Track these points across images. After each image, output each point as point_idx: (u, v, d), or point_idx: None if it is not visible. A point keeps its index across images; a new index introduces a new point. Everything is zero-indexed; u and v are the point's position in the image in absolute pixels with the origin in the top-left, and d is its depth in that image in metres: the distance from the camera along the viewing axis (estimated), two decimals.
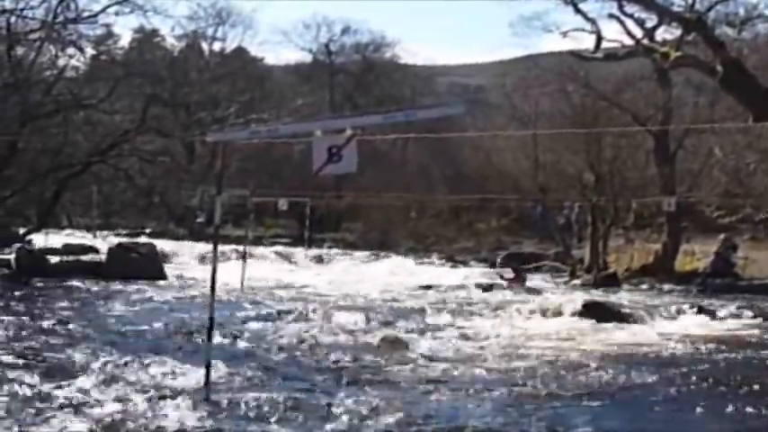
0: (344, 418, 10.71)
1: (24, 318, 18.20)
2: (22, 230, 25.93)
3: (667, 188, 33.36)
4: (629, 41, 33.76)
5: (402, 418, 10.63)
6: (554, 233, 38.01)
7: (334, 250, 40.77)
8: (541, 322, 20.53)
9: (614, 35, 34.58)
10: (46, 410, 10.41)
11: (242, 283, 24.90)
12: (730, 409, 11.68)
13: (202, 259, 32.53)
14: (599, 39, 34.15)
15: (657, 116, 34.08)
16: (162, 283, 26.68)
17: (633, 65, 36.60)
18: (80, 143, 24.78)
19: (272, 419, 10.61)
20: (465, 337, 17.46)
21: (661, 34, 34.01)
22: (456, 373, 13.96)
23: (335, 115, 16.23)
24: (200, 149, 45.65)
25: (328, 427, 10.36)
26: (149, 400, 11.28)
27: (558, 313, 21.71)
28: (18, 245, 27.12)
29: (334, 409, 11.04)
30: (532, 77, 41.80)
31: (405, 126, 30.32)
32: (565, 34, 35.55)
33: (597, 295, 25.97)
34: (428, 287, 27.69)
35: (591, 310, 21.23)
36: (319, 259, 37.17)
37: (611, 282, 30.60)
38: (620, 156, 34.94)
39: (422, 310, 21.75)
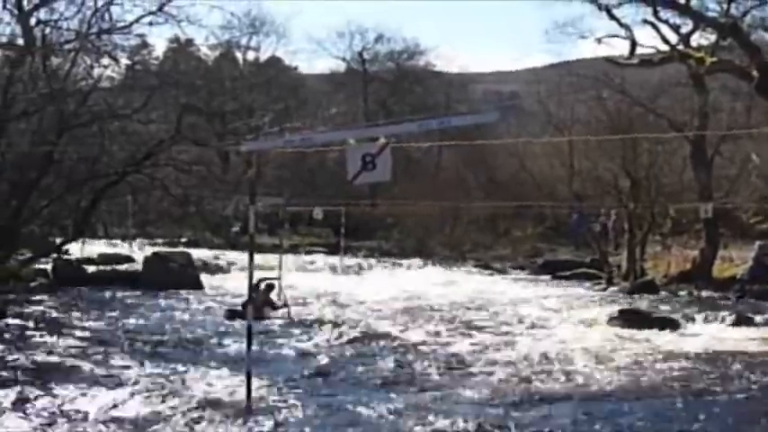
0: (387, 426, 10.65)
1: (62, 327, 18.30)
2: (58, 240, 26.07)
3: (704, 194, 33.05)
4: (664, 47, 33.56)
5: (443, 424, 10.57)
6: (590, 240, 37.78)
7: (370, 260, 40.64)
8: (578, 330, 20.42)
9: (649, 41, 34.34)
10: (84, 420, 10.42)
11: (279, 292, 24.85)
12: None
13: (237, 268, 32.56)
14: (633, 44, 33.96)
15: (693, 122, 33.81)
16: (198, 292, 26.72)
17: (668, 71, 36.34)
18: (116, 153, 24.87)
19: (314, 427, 10.57)
20: (498, 347, 17.34)
21: (696, 40, 33.83)
22: (493, 379, 13.91)
23: (369, 123, 16.23)
24: (234, 158, 45.74)
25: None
26: (190, 411, 11.29)
27: (595, 321, 21.61)
28: (55, 255, 27.30)
29: (376, 418, 10.99)
30: (567, 84, 41.61)
31: (439, 134, 30.39)
32: (599, 40, 35.38)
33: (634, 302, 25.78)
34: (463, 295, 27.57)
35: (627, 318, 21.10)
36: (355, 268, 37.05)
37: (649, 288, 30.33)
38: (656, 162, 34.72)
39: (458, 318, 21.74)
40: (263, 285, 21.58)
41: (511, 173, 46.43)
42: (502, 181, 47.97)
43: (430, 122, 11.92)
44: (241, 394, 11.57)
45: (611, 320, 21.14)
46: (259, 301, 19.84)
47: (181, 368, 13.74)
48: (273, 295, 22.49)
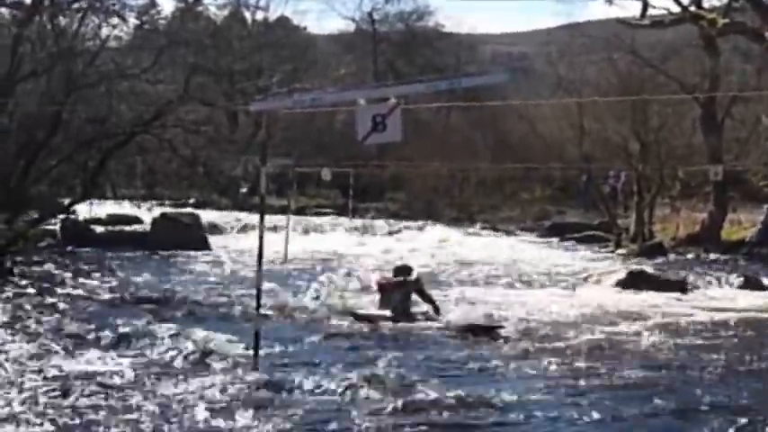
0: (393, 387, 10.67)
1: (69, 287, 18.35)
2: (66, 201, 26.05)
3: (714, 157, 32.95)
4: (675, 8, 33.33)
5: (441, 384, 10.60)
6: (599, 203, 37.72)
7: (378, 221, 40.58)
8: (585, 291, 20.43)
9: (661, 2, 34.14)
10: (89, 379, 10.46)
11: (285, 254, 24.90)
12: None
13: (245, 229, 32.57)
14: (645, 6, 33.75)
15: (704, 84, 33.63)
16: (206, 253, 26.76)
17: (680, 32, 36.12)
18: (124, 113, 24.76)
19: (322, 389, 10.60)
20: (505, 307, 17.33)
21: (708, 1, 33.61)
22: (501, 341, 13.93)
23: (379, 84, 16.10)
24: (243, 119, 45.73)
25: (377, 396, 10.32)
26: (198, 370, 11.35)
27: (602, 282, 21.63)
28: (63, 215, 27.30)
29: (382, 379, 11.01)
30: (577, 45, 41.35)
31: (448, 95, 30.26)
32: (610, 1, 35.21)
33: (643, 265, 25.76)
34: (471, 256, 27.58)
35: (635, 280, 21.11)
36: (363, 229, 37.01)
37: (657, 251, 30.33)
38: (666, 124, 34.59)
39: (464, 279, 21.77)
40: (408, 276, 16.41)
41: (520, 135, 46.24)
42: (511, 143, 47.78)
43: (439, 83, 11.87)
44: (248, 353, 11.62)
45: (619, 282, 21.15)
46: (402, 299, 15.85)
47: (188, 328, 13.76)
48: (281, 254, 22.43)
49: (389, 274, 16.61)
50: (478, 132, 51.94)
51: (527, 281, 21.88)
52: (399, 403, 9.90)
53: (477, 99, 34.63)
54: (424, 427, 9.19)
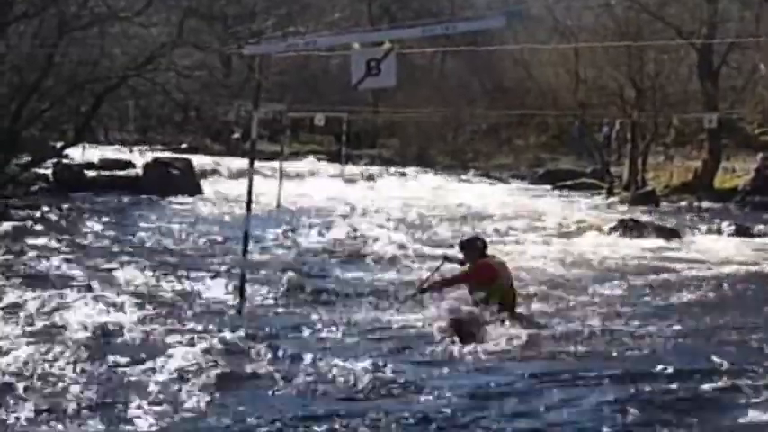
0: (377, 334, 10.70)
1: (60, 232, 18.31)
2: (59, 144, 25.93)
3: (709, 104, 32.89)
4: None
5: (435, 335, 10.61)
6: (592, 150, 37.68)
7: (373, 168, 40.47)
8: (577, 238, 20.47)
9: None
10: (77, 325, 10.46)
11: (278, 200, 24.87)
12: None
13: (238, 175, 32.48)
14: None
15: (701, 31, 33.42)
16: (198, 198, 26.74)
17: None
18: (117, 56, 24.57)
19: (305, 334, 10.64)
20: (497, 251, 17.37)
21: None
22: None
23: (374, 28, 15.96)
24: (237, 63, 45.37)
25: (360, 341, 10.36)
26: (183, 312, 11.39)
27: (593, 229, 21.68)
28: (55, 159, 27.21)
29: (366, 325, 11.03)
30: None
31: (444, 40, 30.08)
32: None
33: (634, 212, 25.79)
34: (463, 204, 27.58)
35: (627, 227, 21.20)
36: (356, 176, 36.92)
37: (650, 199, 30.33)
38: (662, 71, 34.41)
39: (459, 225, 21.79)
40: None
41: (516, 81, 46.02)
42: (506, 88, 47.56)
43: (435, 27, 11.77)
44: (235, 297, 11.63)
45: (611, 230, 21.23)
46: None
47: (176, 272, 13.80)
48: (273, 200, 22.30)
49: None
50: (474, 78, 51.71)
51: (519, 229, 21.85)
52: (384, 349, 9.93)
53: (473, 44, 34.35)
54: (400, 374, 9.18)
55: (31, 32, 23.45)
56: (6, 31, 22.89)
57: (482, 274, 11.26)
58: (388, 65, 10.76)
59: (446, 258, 12.50)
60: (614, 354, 10.15)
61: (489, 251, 11.88)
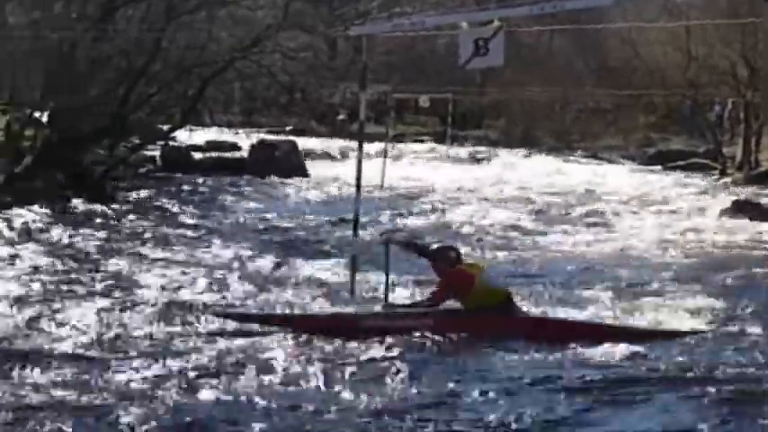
0: None
1: (167, 213, 18.54)
2: (165, 127, 26.26)
3: None
4: None
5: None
6: (704, 130, 36.81)
7: (479, 148, 40.06)
8: (689, 220, 20.04)
9: None
10: (185, 303, 10.53)
11: (382, 181, 24.73)
12: None
13: (342, 156, 32.49)
14: None
15: None
16: (303, 179, 26.81)
17: None
18: (223, 40, 24.74)
19: None
20: (611, 234, 17.04)
21: None
22: (602, 268, 13.68)
23: (481, 7, 15.74)
24: (342, 45, 45.39)
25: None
26: (293, 295, 11.39)
27: (707, 211, 21.22)
28: (162, 141, 27.60)
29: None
30: None
31: (551, 18, 29.56)
32: None
33: (749, 193, 25.12)
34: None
35: (741, 209, 20.71)
36: (462, 157, 36.61)
37: (764, 180, 29.51)
38: None
39: (566, 208, 21.51)
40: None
41: (622, 60, 45.16)
42: (613, 68, 46.70)
43: (543, 5, 11.50)
44: (346, 278, 11.55)
45: (724, 211, 20.73)
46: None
47: (286, 254, 13.83)
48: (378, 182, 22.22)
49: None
50: (581, 57, 50.91)
51: (634, 211, 21.45)
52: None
53: (581, 22, 33.80)
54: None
55: (139, 17, 23.73)
56: (114, 16, 23.18)
57: (457, 280, 10.33)
58: (497, 44, 10.60)
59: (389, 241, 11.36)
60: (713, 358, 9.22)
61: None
